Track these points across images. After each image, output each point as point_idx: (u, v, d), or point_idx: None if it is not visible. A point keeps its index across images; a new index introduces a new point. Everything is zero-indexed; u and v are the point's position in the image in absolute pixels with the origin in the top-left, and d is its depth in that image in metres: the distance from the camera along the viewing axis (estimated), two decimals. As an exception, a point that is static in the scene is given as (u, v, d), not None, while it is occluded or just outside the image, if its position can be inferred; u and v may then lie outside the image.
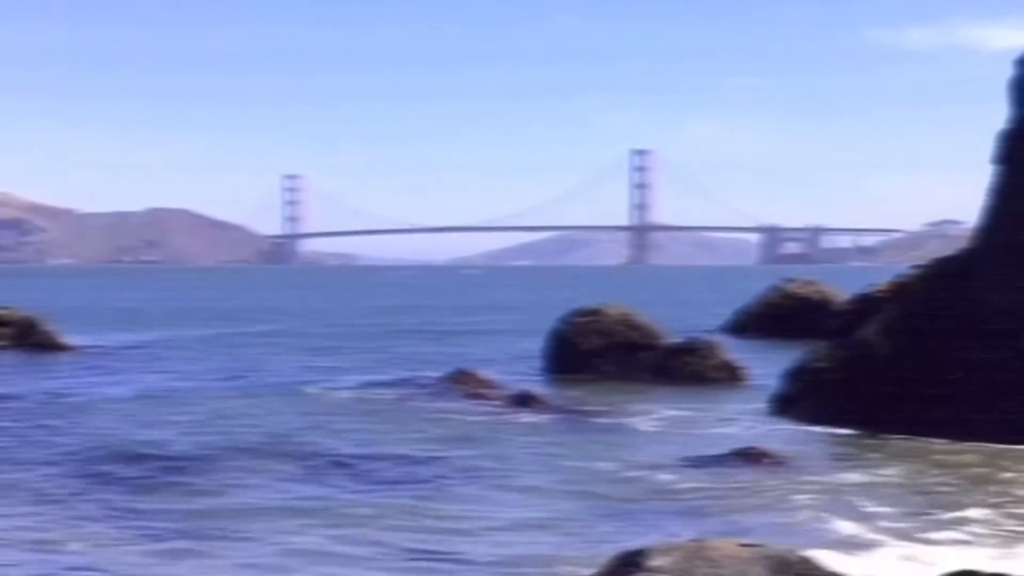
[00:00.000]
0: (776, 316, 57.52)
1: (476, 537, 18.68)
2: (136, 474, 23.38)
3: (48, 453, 25.76)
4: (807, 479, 23.43)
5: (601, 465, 24.71)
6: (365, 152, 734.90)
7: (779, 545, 13.31)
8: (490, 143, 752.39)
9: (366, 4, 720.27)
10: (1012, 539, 18.67)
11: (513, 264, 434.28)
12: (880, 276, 34.07)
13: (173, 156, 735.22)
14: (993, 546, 18.17)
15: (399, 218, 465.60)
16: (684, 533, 16.38)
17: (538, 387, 36.69)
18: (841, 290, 56.07)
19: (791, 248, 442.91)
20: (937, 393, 28.20)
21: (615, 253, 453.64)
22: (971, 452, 26.30)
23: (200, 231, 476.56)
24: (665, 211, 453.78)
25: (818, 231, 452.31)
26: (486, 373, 37.67)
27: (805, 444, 27.67)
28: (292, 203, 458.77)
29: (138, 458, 25.08)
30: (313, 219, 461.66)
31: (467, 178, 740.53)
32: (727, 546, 12.50)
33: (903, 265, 36.48)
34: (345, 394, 36.20)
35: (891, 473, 24.09)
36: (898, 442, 27.36)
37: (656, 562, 12.14)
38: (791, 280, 61.15)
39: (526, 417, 31.61)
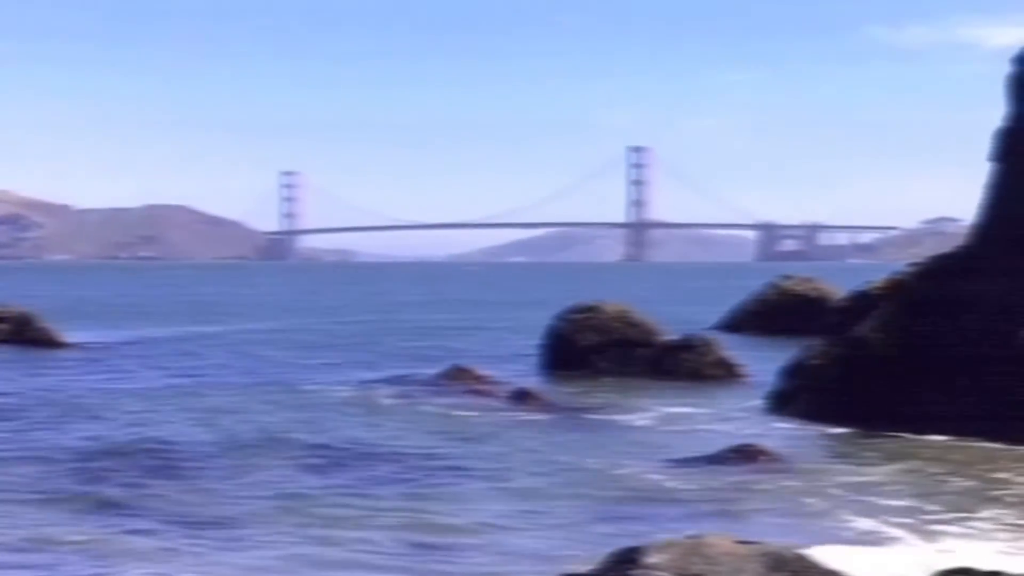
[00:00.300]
0: (773, 313, 57.53)
1: (472, 535, 18.67)
2: (133, 471, 23.36)
3: (44, 450, 25.72)
4: (804, 477, 23.44)
5: (597, 463, 24.70)
6: (363, 149, 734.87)
7: (776, 542, 13.32)
8: (487, 140, 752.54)
9: (364, 2, 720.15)
10: (1014, 538, 18.68)
11: (510, 261, 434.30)
12: (877, 273, 34.02)
13: (170, 152, 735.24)
14: (992, 544, 18.19)
15: (396, 215, 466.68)
16: (681, 530, 16.37)
17: (535, 384, 36.71)
18: (838, 287, 56.03)
19: (788, 245, 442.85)
20: (934, 390, 28.21)
21: (612, 250, 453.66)
22: (968, 450, 26.31)
23: (197, 227, 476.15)
24: (662, 208, 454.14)
25: (815, 228, 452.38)
26: (483, 370, 37.67)
27: (802, 441, 27.69)
28: (289, 199, 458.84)
29: (134, 455, 25.05)
30: (310, 215, 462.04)
31: (464, 175, 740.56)
32: (724, 543, 12.51)
33: (900, 262, 36.45)
34: (342, 391, 36.17)
35: (888, 471, 24.11)
36: (895, 439, 27.36)
37: (653, 559, 12.16)
38: (788, 277, 61.16)
39: (523, 414, 31.60)
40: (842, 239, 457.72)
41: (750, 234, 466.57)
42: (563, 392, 35.66)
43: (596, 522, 19.55)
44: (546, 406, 32.80)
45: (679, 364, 39.77)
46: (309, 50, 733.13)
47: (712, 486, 22.34)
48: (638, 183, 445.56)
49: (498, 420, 30.58)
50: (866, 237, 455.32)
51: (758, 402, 32.76)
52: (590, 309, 42.28)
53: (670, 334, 41.96)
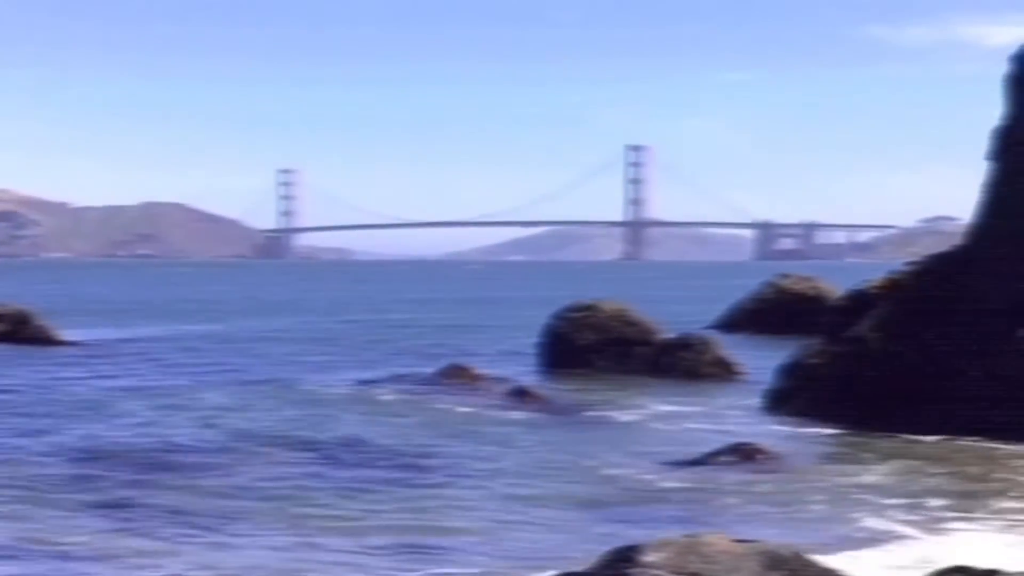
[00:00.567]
0: (771, 312, 57.49)
1: (468, 533, 18.69)
2: (131, 470, 23.37)
3: (42, 449, 25.72)
4: (801, 476, 23.48)
5: (594, 461, 24.72)
6: (361, 147, 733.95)
7: (773, 541, 13.34)
8: (485, 138, 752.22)
9: (362, 5, 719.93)
10: (1012, 537, 18.69)
11: (508, 259, 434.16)
12: (875, 272, 34.03)
13: (167, 150, 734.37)
14: (990, 543, 18.21)
15: (394, 213, 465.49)
16: (678, 529, 16.38)
17: (533, 382, 36.72)
18: (836, 286, 56.02)
19: (786, 244, 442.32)
20: (932, 389, 28.23)
21: (610, 248, 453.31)
22: (966, 449, 26.33)
23: (194, 225, 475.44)
24: (660, 207, 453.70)
25: (813, 227, 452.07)
26: (481, 368, 37.68)
27: (799, 441, 27.71)
28: (287, 198, 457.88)
29: (133, 453, 25.09)
30: (308, 214, 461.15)
31: (462, 173, 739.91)
32: (721, 542, 12.52)
33: (898, 261, 36.46)
34: (340, 389, 36.18)
35: (886, 470, 24.12)
36: (892, 438, 27.37)
37: (650, 557, 12.16)
38: (786, 276, 61.12)
39: (520, 413, 31.62)
40: (840, 238, 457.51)
41: (748, 233, 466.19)
42: (561, 391, 35.67)
43: (592, 521, 19.56)
44: (544, 405, 32.81)
45: (677, 363, 39.79)
46: (307, 48, 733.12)
47: (709, 485, 22.35)
48: (636, 182, 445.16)
49: (496, 419, 30.59)
50: (864, 236, 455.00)
51: (755, 401, 32.78)
52: (588, 308, 42.30)
53: (668, 333, 41.99)
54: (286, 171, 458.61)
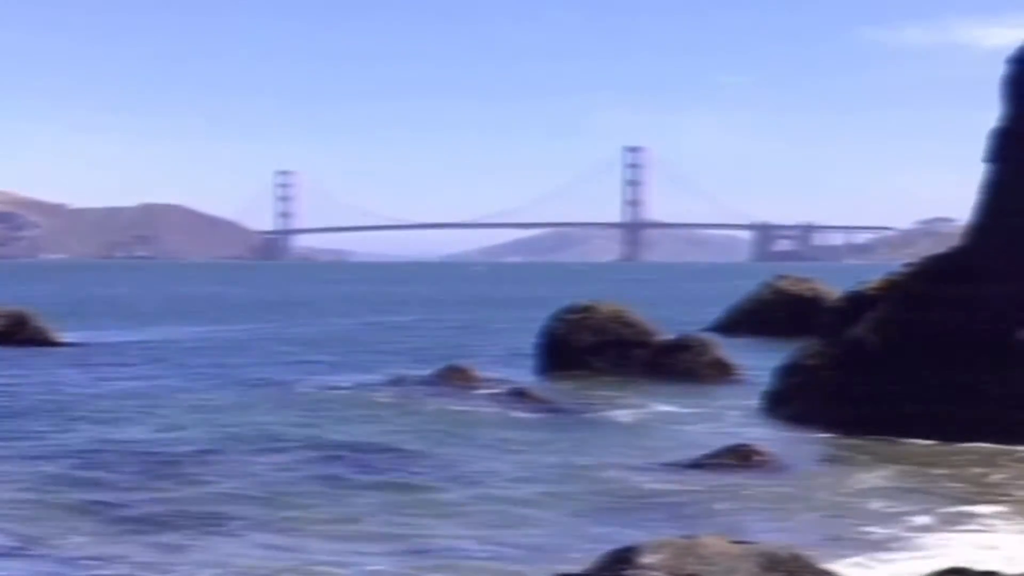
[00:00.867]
0: (768, 313, 57.50)
1: (465, 535, 18.68)
2: (128, 470, 23.37)
3: (41, 449, 25.73)
4: (798, 478, 23.48)
5: (591, 463, 24.71)
6: (358, 148, 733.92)
7: (770, 542, 13.35)
8: (484, 139, 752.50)
9: (360, 2, 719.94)
10: (1010, 539, 18.69)
11: (507, 260, 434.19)
12: (872, 274, 34.04)
13: (165, 152, 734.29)
14: (989, 545, 18.21)
15: (392, 214, 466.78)
16: (675, 530, 16.38)
17: (531, 384, 36.71)
18: (833, 288, 56.04)
19: (783, 245, 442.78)
20: (929, 391, 28.21)
21: (608, 250, 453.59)
22: (964, 450, 26.30)
23: (192, 227, 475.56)
24: (658, 208, 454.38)
25: (810, 228, 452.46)
26: (479, 369, 37.68)
27: (796, 442, 27.70)
28: (285, 199, 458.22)
29: (130, 454, 25.08)
30: (306, 215, 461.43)
31: (461, 174, 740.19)
32: (718, 543, 12.53)
33: (895, 263, 36.48)
34: (338, 391, 36.17)
35: (883, 472, 24.11)
36: (889, 440, 27.35)
37: (647, 559, 12.16)
38: (783, 277, 61.14)
39: (517, 414, 31.63)
40: (837, 239, 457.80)
41: (745, 234, 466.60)
42: (558, 392, 35.66)
43: (590, 522, 19.55)
44: (541, 406, 32.81)
45: (675, 364, 39.80)
46: (305, 50, 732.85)
47: (706, 486, 22.34)
48: (634, 183, 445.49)
49: (493, 420, 30.59)
50: (861, 237, 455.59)
51: (753, 402, 32.76)
52: (586, 309, 42.29)
53: (666, 334, 41.99)
54: (284, 172, 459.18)
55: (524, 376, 39.34)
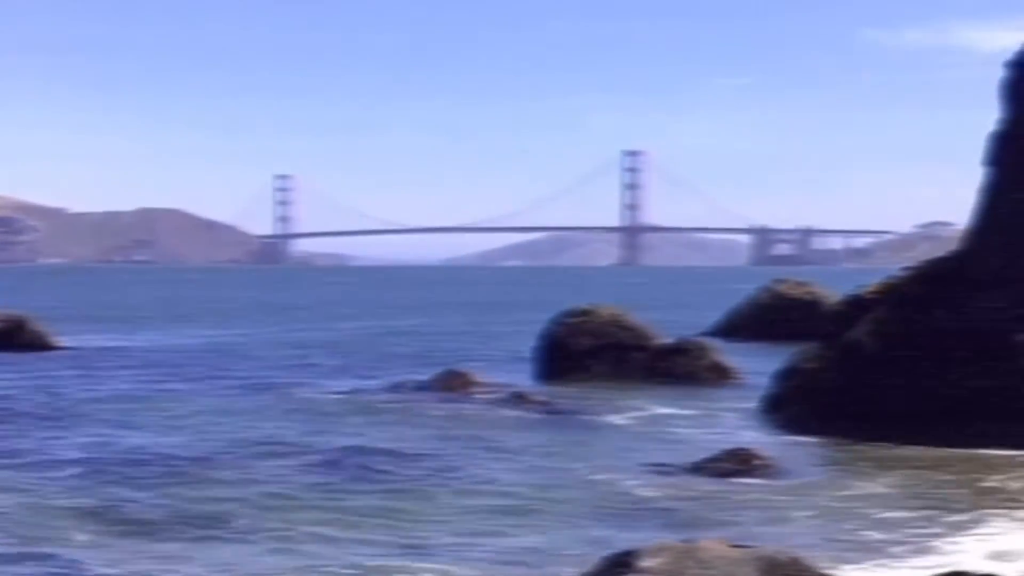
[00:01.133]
0: (767, 317, 57.51)
1: (465, 539, 18.68)
2: (128, 474, 23.36)
3: (40, 454, 25.73)
4: (797, 482, 23.48)
5: (590, 466, 24.71)
6: (357, 152, 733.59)
7: (769, 546, 13.34)
8: (482, 143, 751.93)
9: (359, 3, 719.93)
10: (1009, 543, 18.68)
11: (506, 264, 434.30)
12: (871, 277, 34.02)
13: (164, 155, 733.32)
14: (988, 549, 18.20)
15: (391, 218, 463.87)
16: (674, 534, 16.38)
17: (529, 388, 36.73)
18: (832, 291, 56.06)
19: (782, 249, 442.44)
20: (928, 395, 28.20)
21: (607, 254, 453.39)
22: (964, 455, 26.27)
23: (191, 231, 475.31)
24: (656, 212, 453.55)
25: (809, 232, 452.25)
26: (478, 373, 37.67)
27: (795, 446, 27.70)
28: (284, 203, 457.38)
29: (130, 458, 25.08)
30: (305, 219, 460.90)
31: (459, 179, 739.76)
32: (717, 547, 12.52)
33: (894, 266, 36.46)
34: (336, 396, 36.16)
35: (882, 477, 24.12)
36: (889, 444, 27.32)
37: (646, 563, 12.16)
38: (782, 281, 61.15)
39: (517, 418, 31.63)
40: (836, 243, 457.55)
41: (744, 238, 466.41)
42: (557, 395, 35.64)
43: (588, 526, 19.55)
44: (540, 409, 32.84)
45: (673, 368, 39.81)
46: (303, 53, 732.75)
47: (705, 490, 22.34)
48: (632, 187, 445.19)
49: (492, 424, 30.59)
50: (860, 241, 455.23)
51: (752, 406, 32.77)
52: (584, 313, 42.28)
53: (664, 338, 41.99)
54: (283, 176, 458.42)
55: (523, 380, 39.34)
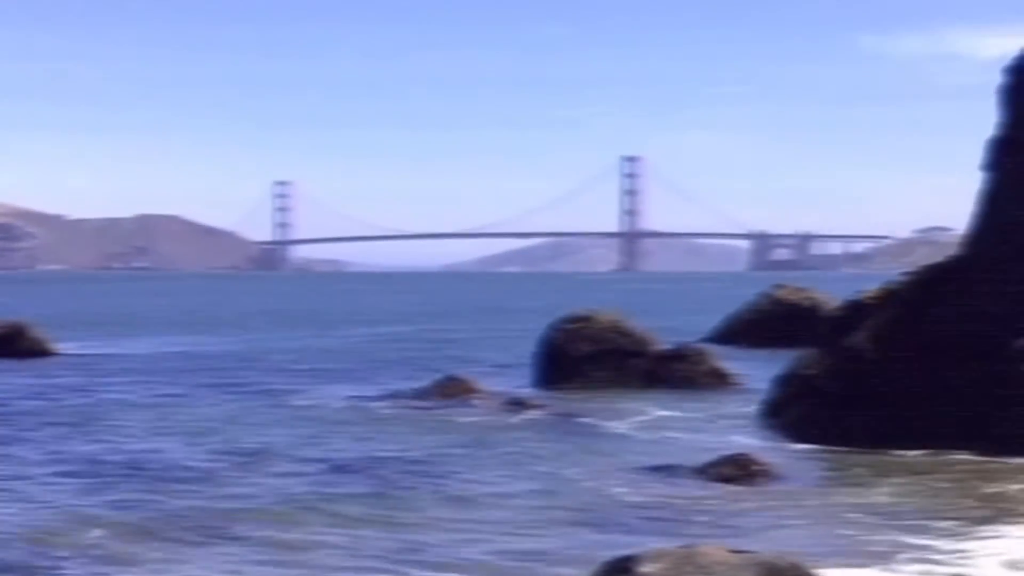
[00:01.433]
0: (766, 323, 57.48)
1: (463, 544, 18.66)
2: (127, 482, 23.36)
3: (39, 460, 25.72)
4: (797, 487, 23.46)
5: (588, 472, 24.70)
6: (356, 158, 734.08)
7: (769, 552, 13.33)
8: (480, 149, 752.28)
9: (357, 7, 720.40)
10: (1009, 547, 18.67)
11: (504, 270, 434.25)
12: (870, 282, 34.02)
13: (163, 162, 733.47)
14: (988, 552, 18.19)
15: (390, 224, 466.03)
16: (674, 540, 16.36)
17: (528, 394, 36.72)
18: (831, 296, 56.05)
19: (781, 254, 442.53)
20: (928, 401, 28.19)
21: (606, 259, 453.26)
22: (963, 462, 26.26)
23: (190, 237, 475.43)
24: (655, 217, 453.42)
25: (808, 237, 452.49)
26: (477, 380, 37.66)
27: (794, 452, 27.69)
28: (282, 209, 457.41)
29: (129, 465, 25.08)
30: (303, 225, 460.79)
31: (457, 184, 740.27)
32: (717, 552, 12.52)
33: (894, 271, 36.47)
34: (335, 403, 36.15)
35: (882, 482, 24.08)
36: (888, 450, 27.29)
37: (646, 568, 12.15)
38: (781, 286, 61.13)
39: (516, 424, 31.62)
40: (835, 248, 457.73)
41: (743, 243, 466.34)
42: (556, 401, 35.65)
43: (588, 532, 19.53)
44: (539, 415, 32.84)
45: (673, 374, 39.80)
46: (303, 58, 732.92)
47: (705, 496, 22.33)
48: (631, 193, 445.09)
49: (491, 430, 30.57)
50: (859, 246, 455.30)
51: (751, 412, 32.76)
52: (583, 319, 42.26)
53: (663, 344, 41.99)
54: (282, 183, 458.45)
55: (522, 386, 39.34)
